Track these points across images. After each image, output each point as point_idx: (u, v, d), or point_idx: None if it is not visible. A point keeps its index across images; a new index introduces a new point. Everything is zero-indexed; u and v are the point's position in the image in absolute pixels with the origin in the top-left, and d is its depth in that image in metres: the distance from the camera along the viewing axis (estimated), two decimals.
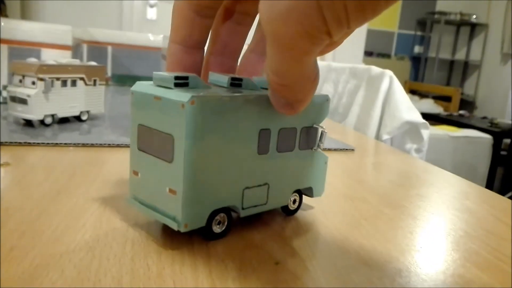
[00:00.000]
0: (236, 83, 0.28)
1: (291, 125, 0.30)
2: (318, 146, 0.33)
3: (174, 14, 0.28)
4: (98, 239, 0.27)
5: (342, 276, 0.26)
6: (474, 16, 5.30)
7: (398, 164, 0.58)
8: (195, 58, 0.29)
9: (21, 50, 0.67)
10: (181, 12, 0.27)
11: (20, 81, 0.53)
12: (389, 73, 0.84)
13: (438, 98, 4.91)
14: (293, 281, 0.25)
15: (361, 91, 0.89)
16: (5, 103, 0.69)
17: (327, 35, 0.19)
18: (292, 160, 0.31)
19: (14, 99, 0.53)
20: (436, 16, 5.37)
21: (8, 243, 0.26)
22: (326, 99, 0.33)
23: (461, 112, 4.14)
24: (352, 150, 0.60)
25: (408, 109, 0.80)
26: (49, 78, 0.52)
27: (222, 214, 0.28)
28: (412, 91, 5.33)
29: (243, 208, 0.29)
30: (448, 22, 5.36)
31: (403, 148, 0.82)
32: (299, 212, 0.35)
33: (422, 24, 5.56)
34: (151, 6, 2.46)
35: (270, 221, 0.33)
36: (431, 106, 4.65)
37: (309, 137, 0.32)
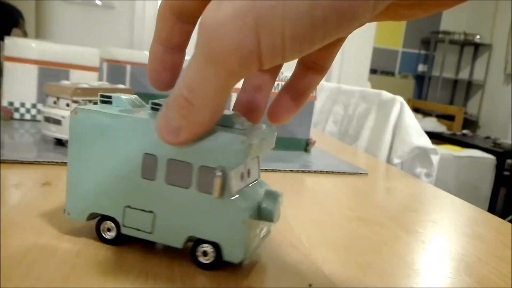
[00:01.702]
0: (156, 107, 0.30)
1: (185, 158, 0.28)
2: (222, 194, 0.27)
3: (158, 15, 0.27)
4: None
5: None
6: (478, 36, 5.36)
7: (410, 189, 0.60)
8: (175, 59, 0.28)
9: (50, 70, 0.71)
10: (163, 15, 0.26)
11: (55, 102, 0.56)
12: (399, 99, 0.87)
13: (441, 117, 4.95)
14: None
15: (372, 115, 0.92)
16: (33, 120, 0.72)
17: (258, 62, 0.19)
18: (185, 198, 0.28)
19: (48, 119, 0.56)
20: (440, 35, 5.44)
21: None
22: (241, 141, 0.26)
23: (465, 131, 4.17)
24: (366, 174, 0.63)
25: (418, 134, 0.83)
26: (83, 100, 0.55)
27: (109, 222, 0.31)
28: (415, 109, 5.36)
29: (124, 225, 0.30)
30: (452, 42, 5.43)
31: (413, 172, 0.85)
32: (324, 234, 0.38)
33: (426, 43, 5.62)
34: None
35: (298, 244, 0.36)
36: (434, 124, 4.69)
37: (209, 180, 0.28)
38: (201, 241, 0.29)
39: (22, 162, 0.49)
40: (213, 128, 0.27)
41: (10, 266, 0.27)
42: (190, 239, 0.29)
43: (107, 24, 2.42)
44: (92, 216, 0.31)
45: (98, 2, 2.39)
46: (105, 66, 1.01)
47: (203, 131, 0.25)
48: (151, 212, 0.29)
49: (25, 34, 1.47)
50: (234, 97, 0.67)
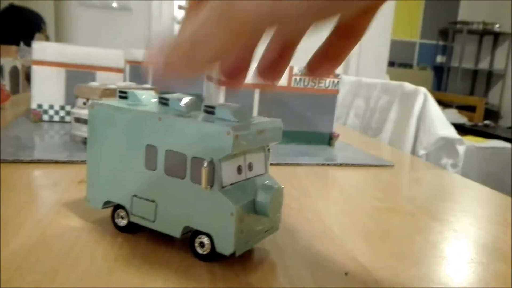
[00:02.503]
0: (163, 102, 0.32)
1: (179, 149, 0.29)
2: (210, 184, 0.28)
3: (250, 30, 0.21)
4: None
5: (407, 285, 0.28)
6: (497, 25, 5.25)
7: (438, 180, 0.60)
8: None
9: (77, 72, 0.72)
10: (271, 39, 0.26)
11: (84, 103, 0.57)
12: (423, 90, 0.86)
13: (462, 108, 4.87)
14: None
15: (395, 107, 0.91)
16: (62, 122, 0.74)
17: (274, 25, 0.19)
18: (181, 189, 0.29)
19: (79, 120, 0.57)
20: (458, 25, 5.34)
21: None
22: (226, 132, 0.27)
23: (486, 122, 4.10)
24: (392, 166, 0.63)
25: (443, 125, 0.82)
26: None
27: (122, 211, 0.33)
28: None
29: (132, 213, 0.32)
30: (470, 32, 5.33)
31: (439, 163, 0.84)
32: (356, 225, 0.38)
33: (444, 33, 5.53)
34: (178, 23, 2.53)
35: (332, 235, 0.36)
36: (455, 116, 4.61)
37: (199, 171, 0.28)
38: (199, 232, 0.29)
39: (57, 162, 0.50)
40: (205, 120, 0.28)
41: (59, 259, 0.28)
42: (188, 229, 0.30)
43: (125, 26, 2.45)
44: (107, 204, 0.33)
45: (114, 5, 2.42)
46: (127, 67, 1.03)
47: (182, 75, 0.22)
48: (153, 201, 0.31)
49: (47, 38, 1.50)
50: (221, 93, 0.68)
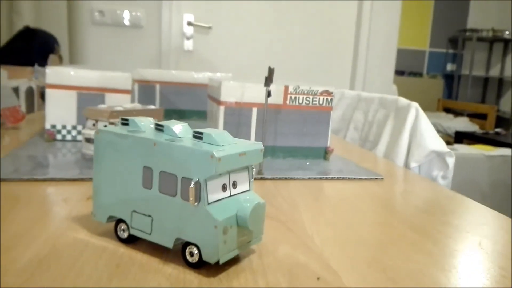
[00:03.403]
0: (159, 128, 0.37)
1: (171, 170, 0.33)
2: (197, 201, 0.32)
3: None
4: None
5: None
6: (507, 32, 5.24)
7: (423, 192, 0.64)
8: None
9: (87, 95, 0.78)
10: None
11: (94, 124, 0.62)
12: (415, 105, 0.90)
13: (473, 116, 4.85)
14: None
15: (390, 121, 0.95)
16: (74, 141, 0.79)
17: None
18: (173, 205, 0.34)
19: (89, 140, 0.62)
20: (467, 33, 5.35)
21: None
22: (210, 155, 0.31)
23: (497, 130, 4.08)
24: (382, 178, 0.66)
25: (434, 138, 0.85)
26: (118, 122, 0.61)
27: (123, 225, 0.37)
28: (446, 109, 5.28)
29: (132, 227, 0.36)
30: (480, 39, 5.33)
31: (430, 175, 0.88)
32: (336, 235, 0.42)
33: (453, 41, 5.53)
34: (188, 38, 2.59)
35: (311, 244, 0.40)
36: (466, 124, 4.60)
37: (187, 189, 0.33)
38: (189, 243, 0.34)
39: (68, 180, 0.55)
40: (193, 144, 0.33)
41: (67, 266, 0.33)
42: (180, 240, 0.34)
43: (136, 43, 2.52)
44: (110, 219, 0.38)
45: (126, 22, 2.50)
46: (136, 86, 1.08)
47: None
48: (149, 216, 0.35)
49: (60, 59, 1.57)
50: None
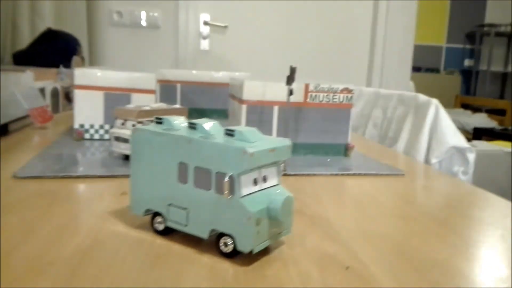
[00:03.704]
0: (192, 126, 0.38)
1: (205, 166, 0.35)
2: (231, 194, 0.34)
3: None
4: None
5: (397, 278, 0.34)
6: None
7: (445, 187, 0.65)
8: None
9: (114, 95, 0.80)
10: None
11: (122, 123, 0.65)
12: (435, 101, 0.91)
13: (492, 112, 4.79)
14: (361, 281, 0.33)
15: (410, 118, 0.96)
16: (101, 140, 0.81)
17: None
18: (208, 198, 0.36)
19: (118, 138, 0.65)
20: (485, 28, 5.28)
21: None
22: (242, 151, 0.33)
23: None
24: (403, 174, 0.67)
25: (454, 134, 0.86)
26: (146, 121, 0.64)
27: (159, 217, 0.39)
28: (464, 106, 5.23)
29: (168, 219, 0.38)
30: (498, 34, 5.26)
31: (451, 171, 0.88)
32: (361, 228, 0.43)
33: (471, 37, 5.47)
34: (204, 38, 2.62)
35: (337, 237, 0.41)
36: (484, 120, 4.55)
37: (222, 183, 0.35)
38: (223, 234, 0.36)
39: (100, 176, 0.58)
40: (226, 141, 0.35)
41: (110, 257, 0.35)
42: (214, 232, 0.36)
43: (154, 43, 2.56)
44: (147, 212, 0.40)
45: (143, 23, 2.54)
46: (158, 86, 1.11)
47: None
48: (185, 209, 0.37)
49: (83, 60, 1.61)
50: (244, 110, 0.74)
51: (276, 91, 0.73)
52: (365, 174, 0.66)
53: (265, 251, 0.37)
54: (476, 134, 3.91)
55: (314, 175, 0.65)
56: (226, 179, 0.34)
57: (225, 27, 2.60)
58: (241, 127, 0.37)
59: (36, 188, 0.52)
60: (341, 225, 0.45)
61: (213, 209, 0.36)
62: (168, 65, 2.58)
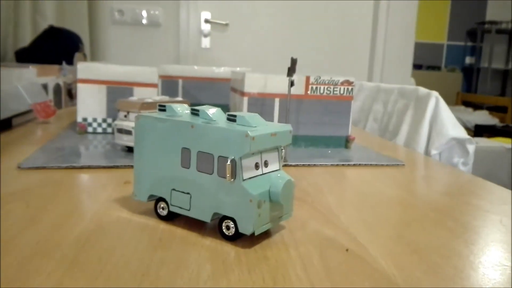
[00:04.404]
0: (195, 112, 0.39)
1: (208, 150, 0.36)
2: (233, 178, 0.35)
3: None
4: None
5: (396, 260, 0.34)
6: None
7: (445, 176, 0.65)
8: None
9: (117, 88, 0.81)
10: None
11: (125, 116, 0.66)
12: (435, 93, 0.91)
13: (493, 109, 4.79)
14: (360, 262, 0.34)
15: (410, 110, 0.96)
16: (104, 133, 0.82)
17: None
18: (210, 182, 0.36)
19: (121, 130, 0.65)
20: (486, 25, 5.28)
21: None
22: (244, 134, 0.34)
23: None
24: (403, 165, 0.68)
25: (454, 126, 0.86)
26: (149, 113, 0.64)
27: (163, 203, 0.40)
28: (465, 103, 5.22)
29: (171, 204, 0.39)
30: (499, 31, 5.25)
31: (451, 162, 0.89)
32: (361, 214, 0.44)
33: (472, 34, 5.47)
34: (205, 35, 2.62)
35: (338, 222, 0.42)
36: (486, 117, 4.55)
37: (224, 167, 0.35)
38: (225, 217, 0.36)
39: (104, 167, 0.59)
40: (228, 126, 0.35)
41: (115, 240, 0.35)
42: (216, 215, 0.37)
43: (155, 41, 2.57)
44: (150, 198, 0.41)
45: (144, 21, 2.54)
46: (159, 81, 1.11)
47: None
48: (188, 193, 0.38)
49: (84, 57, 1.61)
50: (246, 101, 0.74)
51: (277, 84, 0.74)
52: (365, 165, 0.67)
53: (266, 235, 0.38)
54: (478, 131, 3.91)
55: (315, 165, 0.65)
56: (229, 162, 0.35)
57: (226, 24, 2.60)
58: (243, 113, 0.38)
59: (41, 178, 0.53)
60: (341, 211, 0.46)
61: (216, 193, 0.36)
62: (169, 63, 2.58)
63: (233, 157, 0.35)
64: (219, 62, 2.61)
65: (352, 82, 0.76)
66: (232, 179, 0.35)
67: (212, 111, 0.39)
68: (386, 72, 2.74)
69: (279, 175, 0.38)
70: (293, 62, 0.64)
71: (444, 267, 0.34)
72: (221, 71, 1.15)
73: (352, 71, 2.73)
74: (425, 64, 5.48)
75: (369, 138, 0.94)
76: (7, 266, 0.31)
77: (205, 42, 2.63)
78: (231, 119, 0.37)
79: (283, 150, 0.40)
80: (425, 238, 0.39)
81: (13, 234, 0.36)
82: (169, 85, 1.12)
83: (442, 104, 0.88)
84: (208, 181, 0.37)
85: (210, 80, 1.14)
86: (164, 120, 0.39)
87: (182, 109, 0.41)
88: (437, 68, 5.55)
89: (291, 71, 0.64)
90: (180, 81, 1.13)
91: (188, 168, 0.38)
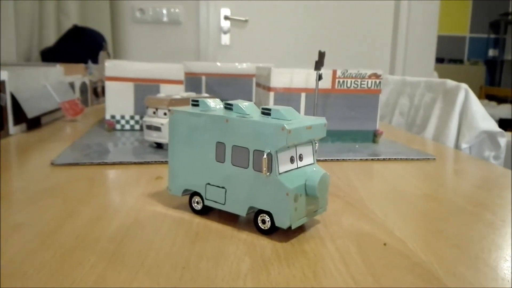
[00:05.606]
0: (228, 107, 0.39)
1: (243, 144, 0.36)
2: (269, 171, 0.34)
3: None
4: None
5: (437, 254, 0.34)
6: None
7: (478, 170, 0.64)
8: None
9: (143, 86, 0.82)
10: None
11: (154, 112, 0.66)
12: (464, 86, 0.89)
13: None
14: (400, 256, 0.33)
15: (438, 104, 0.94)
16: (132, 130, 0.83)
17: None
18: (245, 176, 0.36)
19: (150, 127, 0.66)
20: (510, 17, 5.14)
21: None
22: (281, 128, 0.34)
23: None
24: (434, 159, 0.67)
25: (484, 119, 0.85)
26: None
27: (197, 197, 0.40)
28: (488, 97, 5.11)
29: (206, 198, 0.39)
30: None
31: (481, 156, 0.87)
32: (396, 208, 0.43)
33: (495, 26, 5.34)
34: (225, 32, 2.63)
35: (373, 216, 0.42)
36: (510, 111, 4.44)
37: (260, 161, 0.35)
38: (261, 211, 0.36)
39: (135, 163, 0.59)
40: (263, 119, 0.35)
41: (152, 234, 0.36)
42: (252, 209, 0.37)
43: (175, 39, 2.58)
44: (185, 192, 0.41)
45: (165, 19, 2.56)
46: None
47: None
48: (223, 187, 0.38)
49: (108, 55, 1.63)
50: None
51: (303, 78, 0.73)
52: (395, 159, 0.66)
53: (301, 229, 0.38)
54: (502, 125, 3.81)
55: (344, 160, 0.65)
56: (265, 156, 0.34)
57: (246, 21, 2.60)
58: (277, 106, 0.37)
59: (74, 174, 0.54)
60: (375, 205, 0.45)
61: (251, 186, 0.36)
62: (190, 60, 2.60)
63: (269, 151, 0.35)
64: (239, 59, 2.61)
65: (380, 75, 0.75)
66: (268, 173, 0.35)
67: (245, 105, 0.38)
68: (409, 66, 2.70)
69: (314, 169, 0.38)
70: (321, 55, 0.63)
71: (487, 260, 0.33)
72: (244, 67, 1.15)
73: (373, 65, 2.70)
74: (447, 57, 5.38)
75: (396, 133, 0.92)
76: (49, 259, 0.31)
77: (225, 39, 2.63)
78: (266, 112, 0.37)
79: (316, 144, 0.39)
80: (464, 232, 0.39)
81: (52, 229, 0.37)
82: (192, 82, 1.12)
83: (472, 96, 0.86)
84: (243, 175, 0.37)
85: (233, 76, 1.14)
86: (198, 115, 0.39)
87: (215, 104, 0.41)
88: (460, 61, 5.44)
89: (319, 64, 0.63)
90: (204, 78, 1.13)
91: (223, 162, 0.38)
